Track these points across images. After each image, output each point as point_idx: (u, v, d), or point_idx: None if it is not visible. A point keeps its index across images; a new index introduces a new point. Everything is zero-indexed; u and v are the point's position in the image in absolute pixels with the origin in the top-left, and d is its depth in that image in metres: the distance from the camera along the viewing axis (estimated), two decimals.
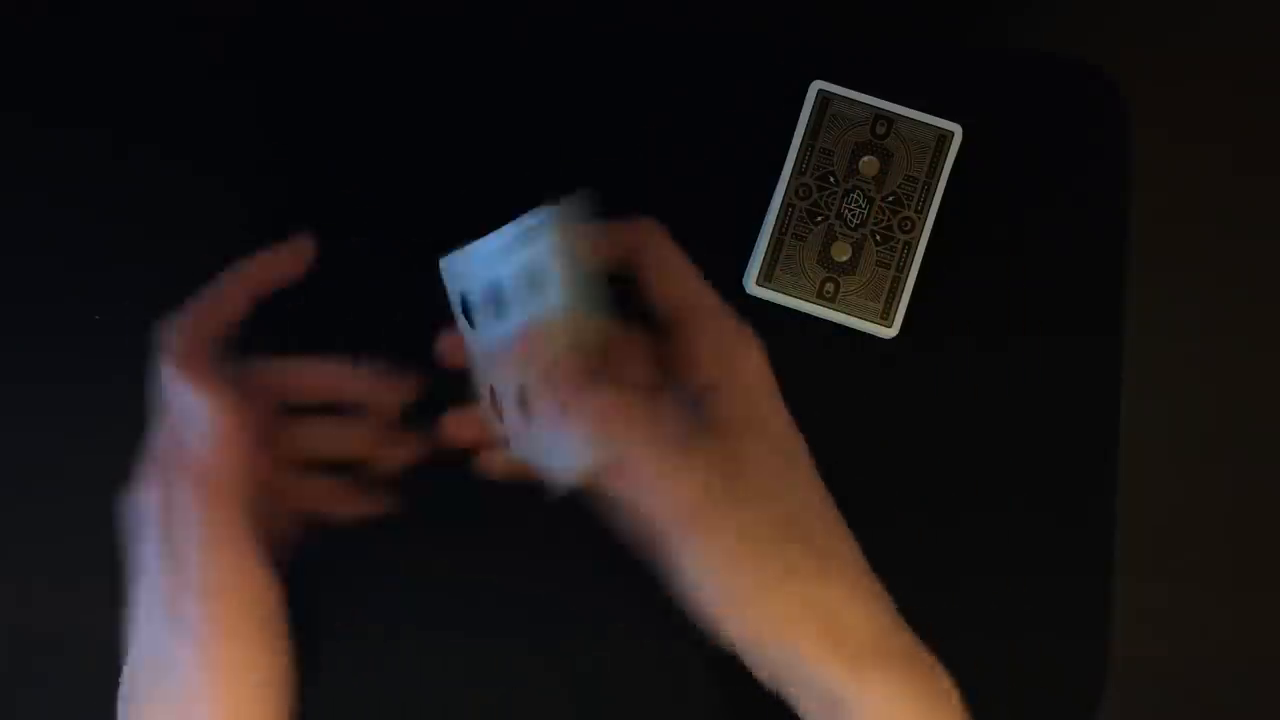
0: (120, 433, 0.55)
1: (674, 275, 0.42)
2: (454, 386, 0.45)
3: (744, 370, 0.41)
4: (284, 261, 0.44)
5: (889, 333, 0.55)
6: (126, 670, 0.41)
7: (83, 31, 0.57)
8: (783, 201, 0.55)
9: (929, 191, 0.55)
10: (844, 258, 0.55)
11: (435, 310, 0.45)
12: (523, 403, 0.41)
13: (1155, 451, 0.56)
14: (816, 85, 0.55)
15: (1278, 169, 0.58)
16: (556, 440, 0.39)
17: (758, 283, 0.54)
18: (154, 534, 0.40)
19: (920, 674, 0.38)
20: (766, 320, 0.56)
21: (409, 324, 0.53)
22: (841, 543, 0.40)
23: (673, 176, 0.56)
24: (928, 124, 0.55)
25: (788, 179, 0.55)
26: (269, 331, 0.55)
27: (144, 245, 0.56)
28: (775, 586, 0.37)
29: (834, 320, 0.55)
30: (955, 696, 0.38)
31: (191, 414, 0.40)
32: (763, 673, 0.39)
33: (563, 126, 0.56)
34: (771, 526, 0.38)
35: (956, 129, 0.55)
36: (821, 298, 0.55)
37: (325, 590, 0.53)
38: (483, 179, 0.56)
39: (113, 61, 0.56)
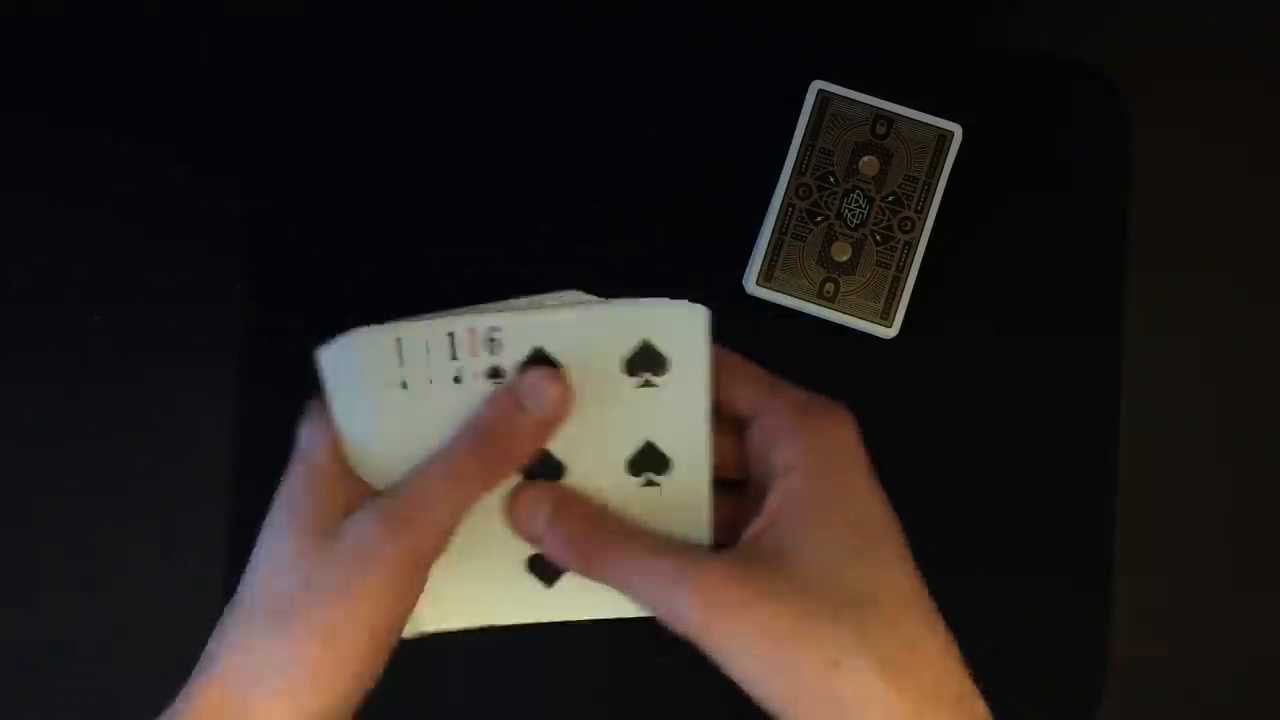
0: (120, 433, 0.55)
1: (742, 375, 0.37)
2: None
3: (827, 447, 0.36)
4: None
5: (889, 333, 0.55)
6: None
7: (83, 31, 0.57)
8: (783, 201, 0.55)
9: (929, 191, 0.55)
10: (844, 258, 0.55)
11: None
12: None
13: (1155, 451, 0.56)
14: (816, 85, 0.55)
15: (1278, 169, 0.58)
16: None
17: (758, 283, 0.54)
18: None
19: None
20: (766, 320, 0.56)
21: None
22: (930, 636, 0.34)
23: (673, 176, 0.56)
24: (928, 124, 0.55)
25: (788, 179, 0.55)
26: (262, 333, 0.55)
27: (144, 245, 0.56)
28: (831, 674, 0.31)
29: (834, 320, 0.55)
30: None
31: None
32: None
33: (563, 127, 0.56)
34: (821, 610, 0.32)
35: (956, 129, 0.55)
36: (821, 298, 0.55)
37: None
38: (483, 179, 0.56)
39: (113, 61, 0.56)
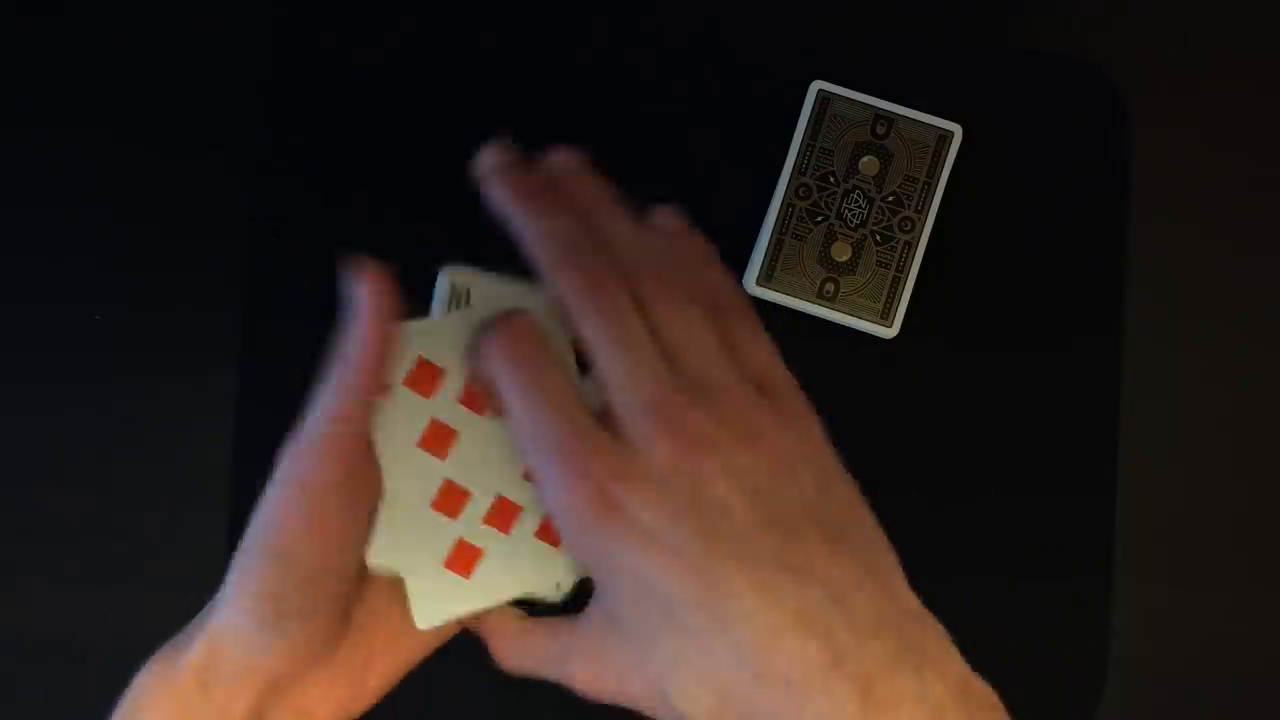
0: (120, 433, 0.55)
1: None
2: None
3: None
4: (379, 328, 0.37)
5: (889, 333, 0.55)
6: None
7: (83, 31, 0.57)
8: (783, 201, 0.55)
9: (929, 191, 0.55)
10: (844, 258, 0.55)
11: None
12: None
13: (1155, 451, 0.56)
14: (816, 85, 0.55)
15: (1278, 168, 0.58)
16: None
17: (758, 283, 0.55)
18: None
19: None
20: (766, 320, 0.56)
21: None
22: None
23: (673, 176, 0.56)
24: (928, 124, 0.55)
25: (788, 179, 0.55)
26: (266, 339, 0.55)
27: (144, 245, 0.56)
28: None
29: (834, 320, 0.55)
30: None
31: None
32: None
33: (563, 127, 0.56)
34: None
35: (956, 129, 0.55)
36: (821, 298, 0.55)
37: None
38: None
39: (113, 61, 0.56)
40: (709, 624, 0.32)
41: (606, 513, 0.33)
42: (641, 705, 0.35)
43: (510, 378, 0.35)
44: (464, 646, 0.55)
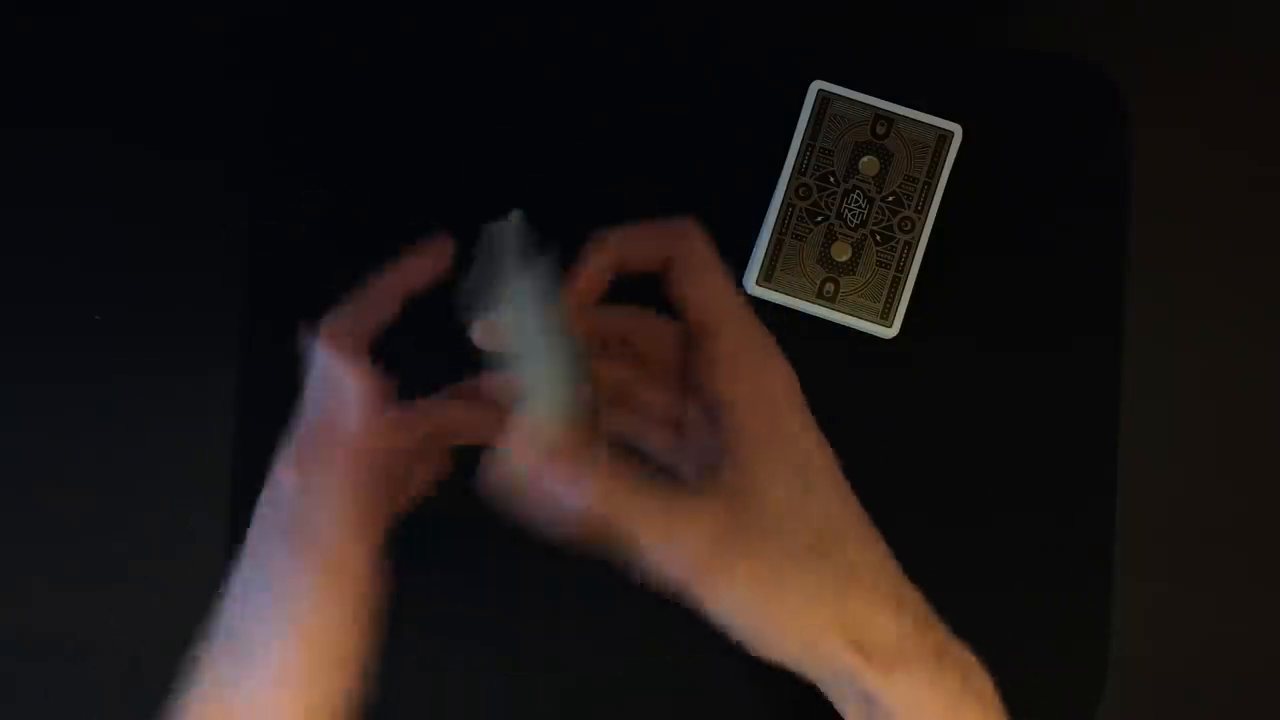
0: (120, 433, 0.55)
1: (705, 278, 0.39)
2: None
3: (767, 383, 0.39)
4: (428, 263, 0.42)
5: (889, 333, 0.55)
6: (202, 650, 0.40)
7: (83, 31, 0.57)
8: (783, 201, 0.55)
9: (929, 191, 0.55)
10: (844, 258, 0.55)
11: (449, 318, 0.45)
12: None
13: (1155, 451, 0.56)
14: (816, 85, 0.55)
15: (1278, 168, 0.58)
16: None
17: (758, 283, 0.55)
18: (283, 515, 0.39)
19: (947, 670, 0.39)
20: (766, 320, 0.56)
21: (417, 330, 0.53)
22: (869, 552, 0.39)
23: (673, 176, 0.56)
24: (928, 124, 0.55)
25: (788, 179, 0.55)
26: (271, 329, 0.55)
27: (144, 245, 0.56)
28: (801, 610, 0.37)
29: (834, 320, 0.55)
30: (988, 692, 0.39)
31: (341, 390, 0.39)
32: (804, 677, 0.39)
33: (564, 127, 0.56)
34: (793, 550, 0.37)
35: (956, 129, 0.55)
36: (821, 298, 0.55)
37: None
38: (483, 180, 0.56)
39: (113, 61, 0.56)
40: (857, 545, 0.39)
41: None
42: (715, 579, 0.36)
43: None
44: (466, 648, 0.55)
